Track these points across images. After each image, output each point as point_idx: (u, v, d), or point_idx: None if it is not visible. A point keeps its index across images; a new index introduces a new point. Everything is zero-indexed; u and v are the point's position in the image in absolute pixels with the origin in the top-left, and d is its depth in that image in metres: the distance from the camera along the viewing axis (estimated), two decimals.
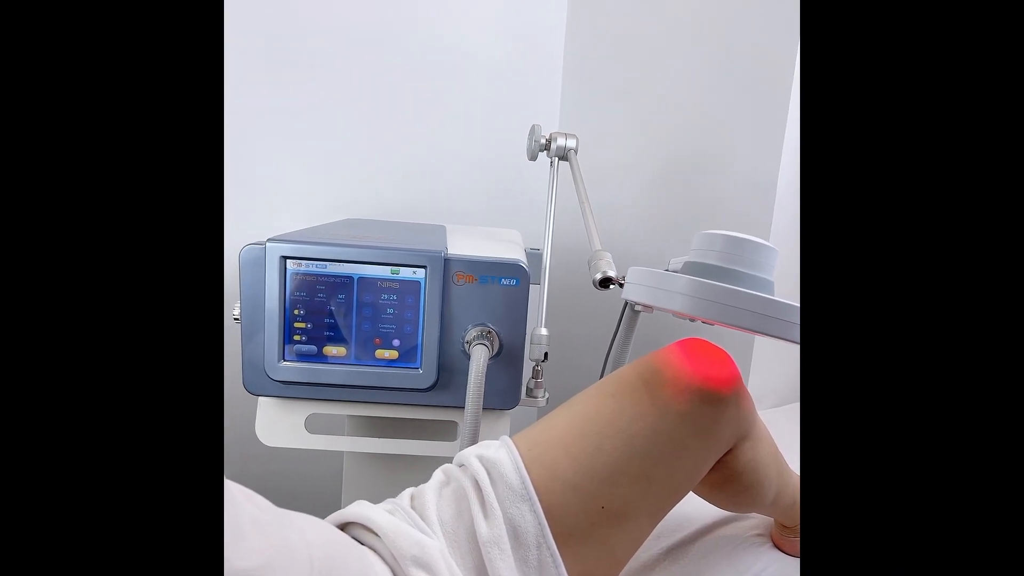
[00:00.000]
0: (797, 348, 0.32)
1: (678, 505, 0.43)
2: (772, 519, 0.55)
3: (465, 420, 0.55)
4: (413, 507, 0.39)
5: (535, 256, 0.77)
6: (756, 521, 0.57)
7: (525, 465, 0.38)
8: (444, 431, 0.69)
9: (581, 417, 0.40)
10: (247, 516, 0.29)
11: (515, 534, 0.36)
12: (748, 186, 0.81)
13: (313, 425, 0.65)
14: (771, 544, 0.55)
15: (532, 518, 0.36)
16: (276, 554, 0.28)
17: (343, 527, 0.38)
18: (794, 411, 0.87)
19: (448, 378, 0.62)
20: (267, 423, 0.64)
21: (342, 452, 0.75)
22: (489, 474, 0.38)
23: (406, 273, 0.60)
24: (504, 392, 0.63)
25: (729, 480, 0.44)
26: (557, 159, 0.69)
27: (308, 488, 1.05)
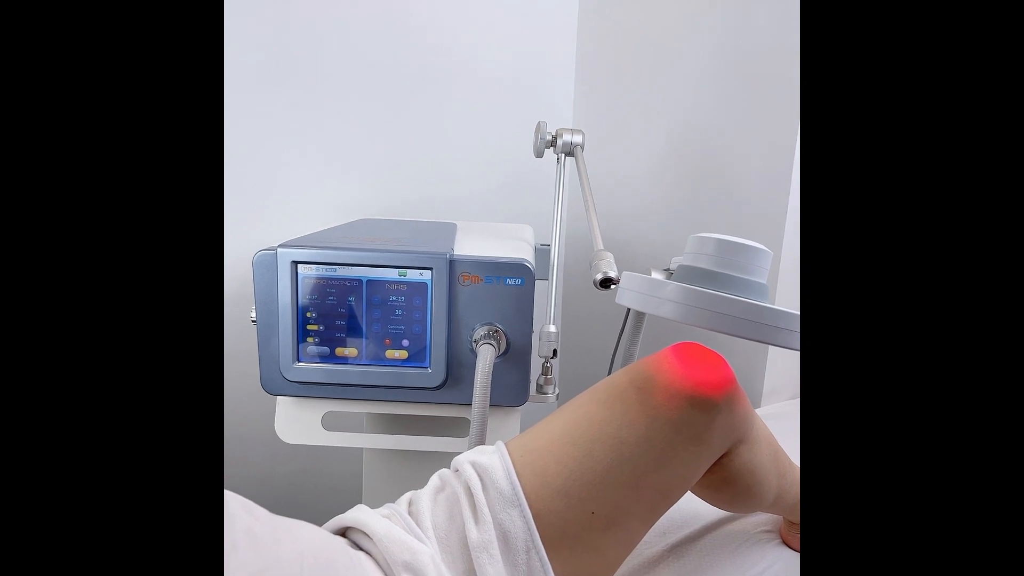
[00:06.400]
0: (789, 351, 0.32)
1: (685, 501, 0.43)
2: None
3: (472, 419, 0.56)
4: (410, 512, 0.40)
5: (545, 252, 0.77)
6: (765, 517, 0.57)
7: (516, 471, 0.39)
8: (458, 426, 0.71)
9: (572, 424, 0.41)
10: (242, 529, 0.30)
11: (505, 539, 0.37)
12: (763, 180, 0.80)
13: (330, 422, 0.67)
14: (779, 541, 0.54)
15: (521, 523, 0.37)
16: (266, 567, 0.29)
17: (344, 531, 0.40)
18: None
19: (457, 376, 0.63)
20: (286, 421, 0.66)
21: (362, 449, 0.77)
22: (481, 480, 0.39)
23: (413, 275, 0.61)
24: (513, 389, 0.64)
25: (726, 484, 0.44)
26: (564, 155, 0.69)
27: (330, 483, 1.08)
